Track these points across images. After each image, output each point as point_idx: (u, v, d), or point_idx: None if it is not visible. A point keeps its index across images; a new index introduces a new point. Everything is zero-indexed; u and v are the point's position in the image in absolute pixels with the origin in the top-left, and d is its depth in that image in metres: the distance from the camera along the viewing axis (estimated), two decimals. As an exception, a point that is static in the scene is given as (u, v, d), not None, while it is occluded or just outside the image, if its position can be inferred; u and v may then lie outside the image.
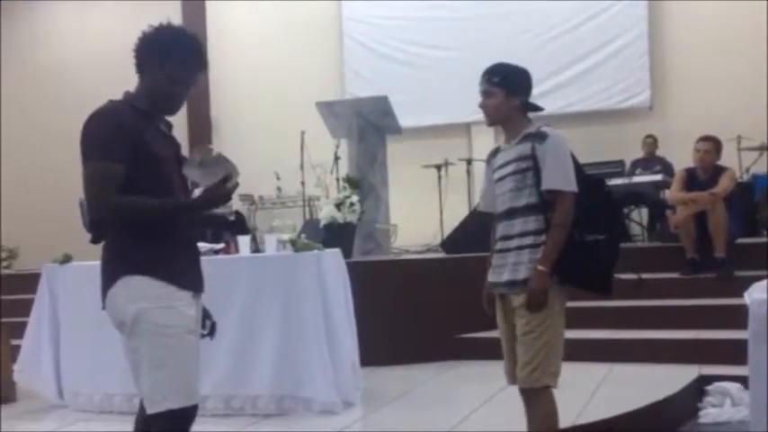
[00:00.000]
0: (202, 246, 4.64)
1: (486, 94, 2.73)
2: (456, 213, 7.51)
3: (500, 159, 2.75)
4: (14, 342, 4.91)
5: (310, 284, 4.00)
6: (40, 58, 10.79)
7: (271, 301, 4.04)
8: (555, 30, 9.01)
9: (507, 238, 2.67)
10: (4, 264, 10.23)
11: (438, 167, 8.35)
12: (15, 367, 4.76)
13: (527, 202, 2.62)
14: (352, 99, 7.26)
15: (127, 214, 2.30)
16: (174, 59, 2.35)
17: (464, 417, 3.77)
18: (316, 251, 4.17)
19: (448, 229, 7.25)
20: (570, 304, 5.85)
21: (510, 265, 2.63)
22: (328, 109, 6.78)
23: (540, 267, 2.52)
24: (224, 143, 9.89)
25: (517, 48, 8.94)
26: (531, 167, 2.60)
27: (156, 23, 2.41)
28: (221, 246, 4.68)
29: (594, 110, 8.84)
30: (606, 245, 2.63)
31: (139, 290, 2.27)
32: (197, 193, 2.45)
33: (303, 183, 7.57)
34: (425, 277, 5.66)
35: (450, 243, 6.67)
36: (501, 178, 2.72)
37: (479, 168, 8.62)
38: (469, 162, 8.49)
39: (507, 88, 2.69)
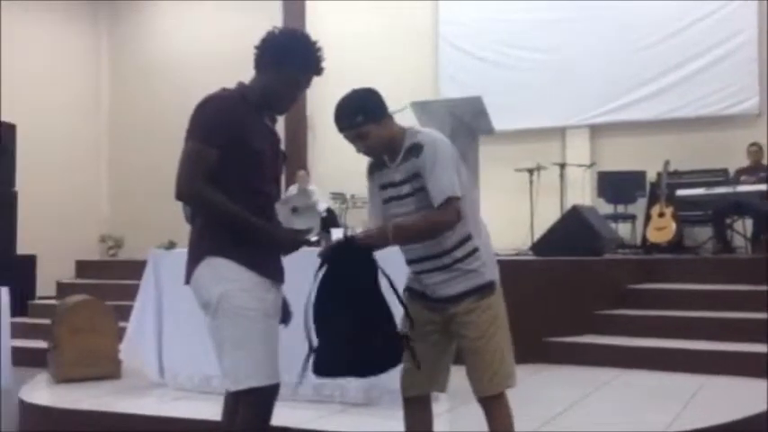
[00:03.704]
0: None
1: (359, 138, 2.49)
2: (546, 218, 7.42)
3: (386, 177, 2.56)
4: (121, 324, 5.20)
5: (400, 278, 4.05)
6: (146, 55, 11.33)
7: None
8: (658, 32, 8.71)
9: (428, 258, 2.50)
10: (111, 252, 10.83)
11: (530, 171, 8.27)
12: (121, 347, 5.05)
13: None
14: (447, 99, 7.28)
15: (203, 205, 2.44)
16: (292, 64, 2.47)
17: (549, 419, 3.76)
18: (406, 246, 4.21)
19: (538, 234, 7.17)
20: (668, 313, 5.69)
21: (445, 282, 2.50)
22: (423, 109, 6.83)
23: (391, 233, 2.39)
24: (318, 141, 10.13)
25: (616, 50, 8.75)
26: (424, 185, 2.45)
27: (278, 26, 2.55)
28: (314, 239, 4.82)
29: (698, 116, 8.51)
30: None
31: (222, 272, 2.39)
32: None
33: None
34: (515, 279, 5.59)
35: (541, 246, 6.61)
36: (398, 198, 2.53)
37: (573, 173, 8.49)
38: (563, 166, 8.37)
39: (374, 119, 2.48)
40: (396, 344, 2.46)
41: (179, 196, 2.40)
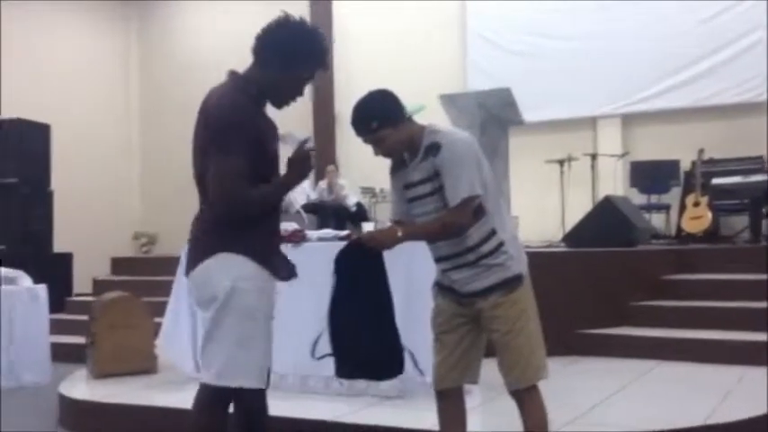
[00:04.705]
0: (327, 232, 4.83)
1: (376, 143, 2.50)
2: (578, 209, 7.34)
3: (408, 177, 2.55)
4: (156, 319, 5.27)
5: (430, 271, 4.03)
6: (175, 53, 11.45)
7: (391, 285, 4.11)
8: (690, 19, 8.56)
9: (453, 256, 2.51)
10: (144, 249, 10.98)
11: (561, 162, 8.20)
12: (156, 342, 5.13)
13: None
14: (476, 92, 7.22)
15: (254, 208, 2.38)
16: (296, 61, 2.39)
17: (584, 411, 3.72)
18: (437, 239, 4.20)
19: (569, 225, 7.10)
20: (704, 304, 5.59)
21: (471, 277, 2.50)
22: (451, 102, 6.81)
23: (399, 233, 2.41)
24: (347, 137, 10.14)
25: (648, 37, 8.61)
26: (443, 185, 2.44)
27: (285, 15, 2.43)
28: (345, 233, 4.84)
29: (733, 103, 8.35)
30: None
31: (238, 269, 2.34)
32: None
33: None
34: (547, 271, 5.56)
35: (573, 237, 6.55)
36: (418, 198, 2.53)
37: (605, 163, 8.39)
38: (594, 157, 8.28)
39: (390, 123, 2.47)
40: (399, 350, 2.50)
41: (231, 213, 2.32)
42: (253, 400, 2.44)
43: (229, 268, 2.34)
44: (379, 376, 2.63)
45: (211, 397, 2.41)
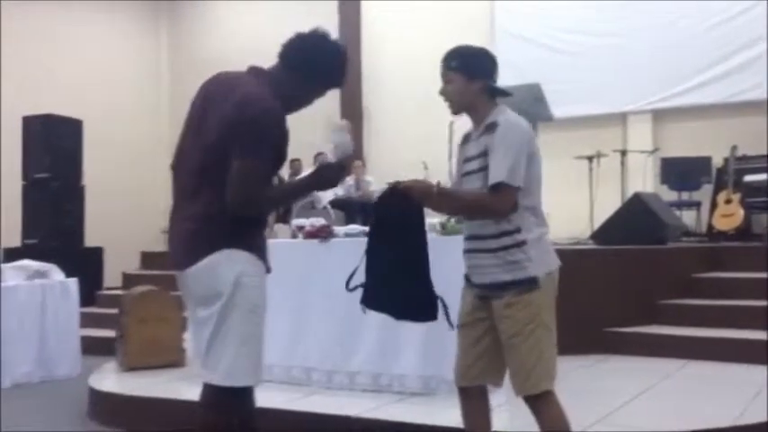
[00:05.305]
0: (354, 228, 4.83)
1: (446, 81, 2.56)
2: (607, 206, 7.26)
3: (468, 150, 2.58)
4: (185, 313, 5.32)
5: (457, 268, 4.02)
6: (205, 53, 11.52)
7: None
8: (722, 13, 8.41)
9: (478, 238, 2.49)
10: (174, 244, 11.10)
11: (590, 159, 8.11)
12: (185, 335, 5.18)
13: None
14: (505, 87, 7.19)
15: (269, 207, 2.44)
16: (318, 72, 2.45)
17: (612, 410, 3.69)
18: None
19: (598, 222, 7.03)
20: (735, 303, 5.51)
21: (487, 267, 2.46)
22: (479, 97, 6.77)
23: (436, 190, 2.41)
24: (374, 132, 10.14)
25: (674, 36, 8.49)
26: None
27: (315, 26, 2.49)
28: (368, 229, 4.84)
29: (764, 99, 8.19)
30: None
31: (242, 264, 2.33)
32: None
33: (451, 172, 7.60)
34: (576, 268, 5.51)
35: (602, 234, 6.49)
36: (468, 173, 2.54)
37: (635, 160, 8.29)
38: (624, 153, 8.18)
39: (466, 72, 2.51)
40: (429, 296, 2.49)
41: (248, 213, 2.32)
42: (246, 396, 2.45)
43: (234, 264, 2.32)
44: (406, 316, 2.58)
45: (218, 395, 2.39)
